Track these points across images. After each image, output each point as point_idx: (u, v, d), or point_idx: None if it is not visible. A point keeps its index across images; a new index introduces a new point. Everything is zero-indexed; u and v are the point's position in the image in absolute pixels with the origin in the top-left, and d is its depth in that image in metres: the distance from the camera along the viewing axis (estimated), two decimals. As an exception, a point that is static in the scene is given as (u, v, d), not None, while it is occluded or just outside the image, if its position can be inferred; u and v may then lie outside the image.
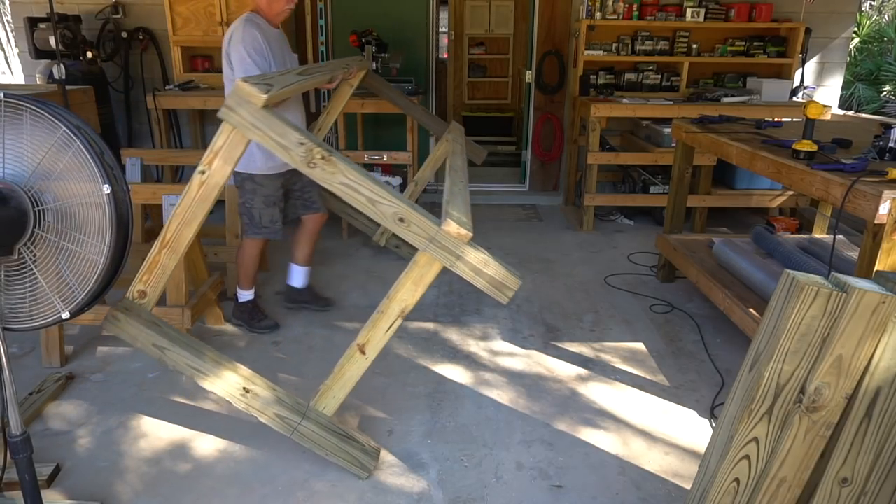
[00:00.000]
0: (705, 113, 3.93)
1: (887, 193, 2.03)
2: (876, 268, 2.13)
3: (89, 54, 4.78)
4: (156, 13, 4.95)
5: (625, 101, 4.77)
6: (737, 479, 1.49)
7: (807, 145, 2.52)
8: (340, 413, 2.13)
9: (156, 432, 2.36)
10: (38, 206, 1.55)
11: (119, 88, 5.17)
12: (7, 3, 7.77)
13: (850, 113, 6.31)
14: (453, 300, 3.54)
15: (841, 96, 6.04)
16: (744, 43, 5.16)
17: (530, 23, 5.53)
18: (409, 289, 1.92)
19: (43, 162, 1.54)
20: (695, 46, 5.16)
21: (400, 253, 4.16)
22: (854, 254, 2.95)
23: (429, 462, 2.23)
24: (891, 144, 2.53)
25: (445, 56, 7.87)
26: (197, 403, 2.55)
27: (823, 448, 1.44)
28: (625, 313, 3.43)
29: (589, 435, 2.39)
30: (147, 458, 2.22)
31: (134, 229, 1.71)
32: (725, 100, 4.74)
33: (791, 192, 4.59)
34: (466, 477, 2.16)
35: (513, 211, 5.42)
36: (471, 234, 1.80)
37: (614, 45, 5.16)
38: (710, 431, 2.42)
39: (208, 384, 2.02)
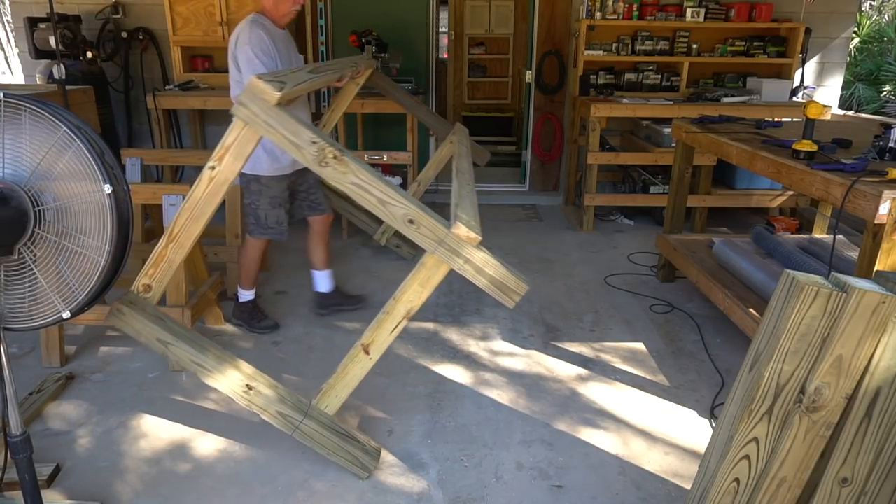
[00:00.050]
0: (705, 113, 3.93)
1: (887, 193, 2.03)
2: (876, 268, 2.13)
3: (89, 54, 4.78)
4: (156, 13, 4.96)
5: (625, 101, 4.77)
6: (737, 479, 1.49)
7: (807, 145, 2.52)
8: (340, 413, 2.13)
9: (156, 432, 2.36)
10: (38, 205, 1.55)
11: (119, 88, 5.17)
12: (7, 3, 7.77)
13: (850, 113, 6.31)
14: (453, 300, 3.54)
15: (841, 96, 6.04)
16: (744, 43, 5.16)
17: (530, 23, 5.53)
18: (416, 290, 1.92)
19: (43, 162, 1.54)
20: (695, 46, 5.16)
21: (400, 253, 4.16)
22: (854, 254, 2.95)
23: (429, 462, 2.23)
24: (891, 144, 2.53)
25: (445, 56, 7.87)
26: (197, 403, 2.55)
27: (823, 448, 1.44)
28: (625, 313, 3.43)
29: (589, 435, 2.39)
30: (147, 458, 2.22)
31: (134, 229, 1.71)
32: (725, 100, 4.74)
33: (791, 192, 4.59)
34: (466, 477, 2.16)
35: (513, 211, 5.42)
36: (480, 238, 1.81)
37: (614, 45, 5.16)
38: (710, 431, 2.42)
39: (211, 380, 2.02)
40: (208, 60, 5.14)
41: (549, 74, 5.40)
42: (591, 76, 5.19)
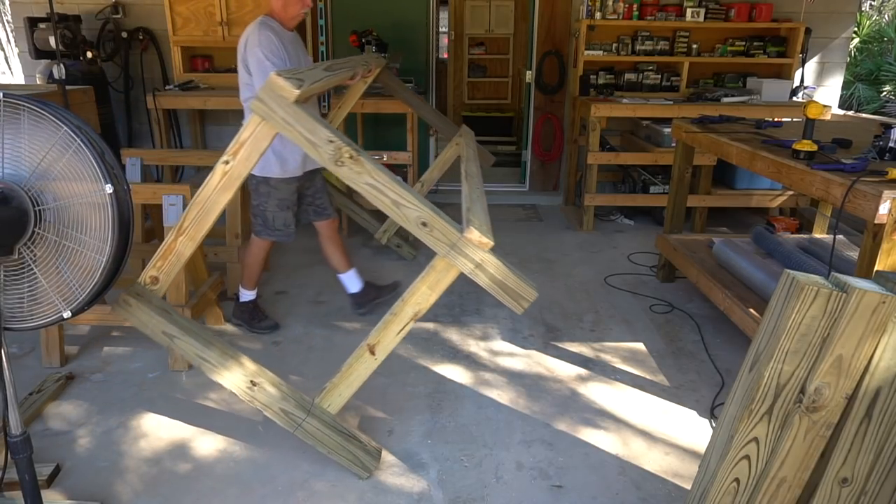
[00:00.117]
0: (705, 113, 3.93)
1: (887, 193, 2.03)
2: (876, 268, 2.13)
3: (89, 54, 4.78)
4: (156, 13, 4.96)
5: (625, 101, 4.77)
6: (737, 479, 1.49)
7: (807, 145, 2.52)
8: (340, 413, 2.12)
9: (156, 432, 2.36)
10: (38, 205, 1.55)
11: (119, 88, 5.17)
12: (7, 3, 7.77)
13: (850, 113, 6.31)
14: (453, 300, 3.54)
15: (841, 96, 6.04)
16: (744, 43, 5.16)
17: (530, 23, 5.53)
18: (424, 293, 1.92)
19: (43, 162, 1.54)
20: (695, 46, 5.16)
21: (401, 252, 4.16)
22: (854, 254, 2.95)
23: (429, 462, 2.23)
24: (891, 144, 2.53)
25: (445, 56, 7.88)
26: (197, 403, 2.55)
27: (823, 448, 1.44)
28: (625, 313, 3.43)
29: (589, 435, 2.39)
30: (147, 458, 2.22)
31: (134, 229, 1.71)
32: (725, 100, 4.74)
33: (791, 192, 4.59)
34: (466, 477, 2.16)
35: (513, 211, 5.42)
36: (492, 243, 1.81)
37: (614, 45, 5.16)
38: (710, 431, 2.42)
39: (215, 376, 2.02)
40: (208, 60, 5.14)
41: (549, 74, 5.40)
42: (591, 76, 5.19)
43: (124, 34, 5.07)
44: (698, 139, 3.37)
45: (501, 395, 2.65)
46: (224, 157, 1.88)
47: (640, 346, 3.08)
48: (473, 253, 1.83)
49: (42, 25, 4.66)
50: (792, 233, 3.90)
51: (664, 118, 4.64)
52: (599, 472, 2.19)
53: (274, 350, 3.00)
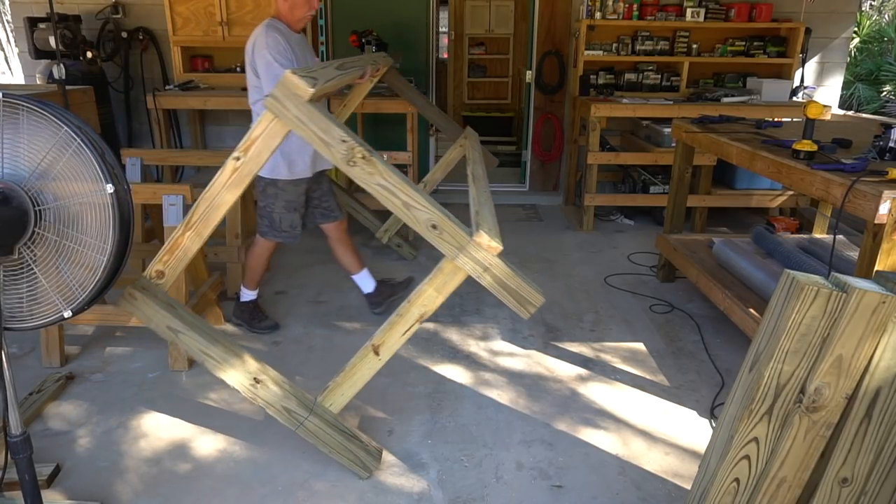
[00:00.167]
0: (705, 113, 3.93)
1: (887, 193, 2.03)
2: (876, 268, 2.13)
3: (89, 54, 4.78)
4: (156, 13, 4.96)
5: (625, 101, 4.77)
6: (737, 479, 1.49)
7: (807, 145, 2.52)
8: (340, 413, 2.13)
9: (156, 432, 2.36)
10: (38, 205, 1.55)
11: (119, 88, 5.17)
12: (7, 3, 7.76)
13: (850, 113, 6.31)
14: (453, 300, 3.54)
15: (841, 96, 6.04)
16: (744, 43, 5.16)
17: (530, 23, 5.53)
18: (431, 295, 1.92)
19: (43, 162, 1.54)
20: (695, 46, 5.16)
21: (401, 252, 4.17)
22: (854, 254, 2.95)
23: (429, 462, 2.23)
24: (891, 144, 2.53)
25: (445, 56, 7.88)
26: (197, 403, 2.55)
27: (823, 448, 1.44)
28: (625, 313, 3.43)
29: (589, 435, 2.39)
30: (147, 458, 2.22)
31: (134, 229, 1.71)
32: (725, 100, 4.74)
33: (791, 192, 4.59)
34: (466, 477, 2.16)
35: (513, 211, 5.42)
36: (501, 248, 1.81)
37: (614, 45, 5.16)
38: (710, 431, 2.42)
39: (219, 372, 2.02)
40: (208, 60, 5.14)
41: (549, 74, 5.40)
42: (591, 76, 5.19)
43: (124, 34, 5.07)
44: (698, 139, 3.37)
45: (501, 395, 2.65)
46: (235, 154, 1.88)
47: (640, 346, 3.08)
48: (482, 256, 1.83)
49: (42, 25, 4.66)
50: (792, 233, 3.90)
51: (664, 118, 4.64)
52: (599, 472, 2.20)
53: (274, 350, 3.00)
